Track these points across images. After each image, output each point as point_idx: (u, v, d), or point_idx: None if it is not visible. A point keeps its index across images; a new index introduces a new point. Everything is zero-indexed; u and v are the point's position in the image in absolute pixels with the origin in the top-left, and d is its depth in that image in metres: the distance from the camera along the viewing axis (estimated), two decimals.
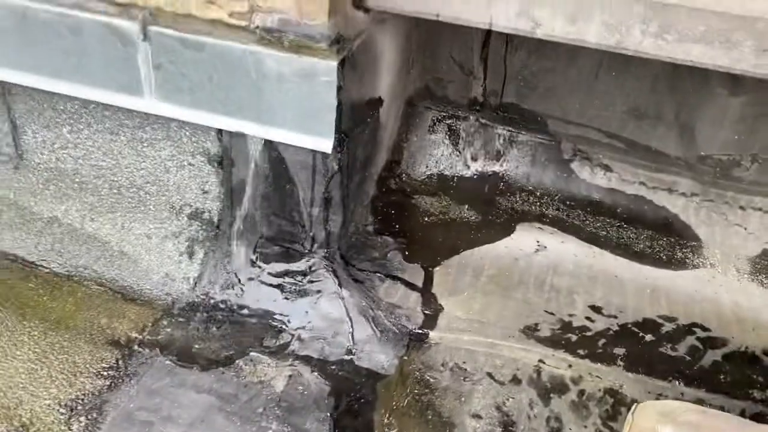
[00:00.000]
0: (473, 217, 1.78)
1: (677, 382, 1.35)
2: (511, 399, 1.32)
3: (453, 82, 1.83)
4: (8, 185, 1.68)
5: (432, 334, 1.46)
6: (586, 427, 1.27)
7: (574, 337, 1.44)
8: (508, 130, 1.84)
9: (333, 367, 1.39)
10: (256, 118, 1.34)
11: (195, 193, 1.55)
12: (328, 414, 1.30)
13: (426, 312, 1.51)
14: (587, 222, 1.76)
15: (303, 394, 1.34)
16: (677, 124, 1.70)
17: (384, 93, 1.55)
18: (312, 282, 1.50)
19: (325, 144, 1.33)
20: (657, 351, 1.42)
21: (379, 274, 1.58)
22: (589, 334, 1.45)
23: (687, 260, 1.68)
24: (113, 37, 1.35)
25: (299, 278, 1.50)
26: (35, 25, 1.39)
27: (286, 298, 1.50)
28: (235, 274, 1.54)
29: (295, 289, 1.50)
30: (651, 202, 1.77)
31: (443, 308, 1.52)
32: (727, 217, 1.72)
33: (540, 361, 1.39)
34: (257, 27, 1.25)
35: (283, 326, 1.47)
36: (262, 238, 1.52)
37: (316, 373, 1.38)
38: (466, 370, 1.39)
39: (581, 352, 1.41)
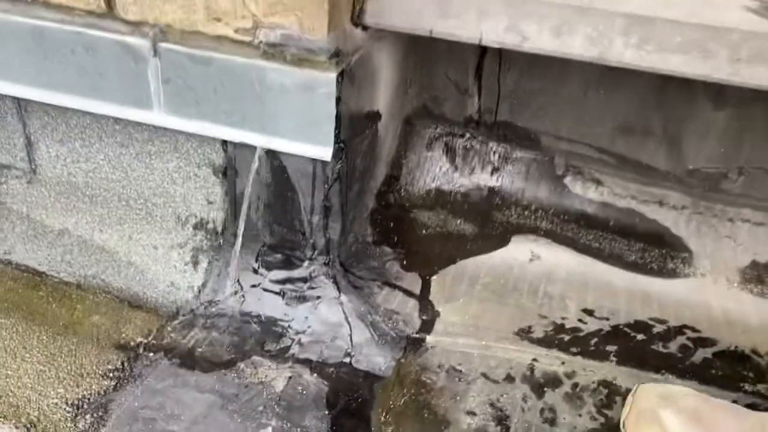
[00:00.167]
0: (470, 230, 1.83)
1: (669, 375, 1.39)
2: (504, 396, 1.36)
3: (449, 101, 1.90)
4: (22, 199, 1.75)
5: (428, 338, 1.51)
6: (580, 415, 1.31)
7: (566, 338, 1.48)
8: (503, 147, 1.90)
9: (332, 369, 1.44)
10: (260, 128, 1.42)
11: (200, 203, 1.61)
12: (326, 412, 1.34)
13: (423, 317, 1.56)
14: (580, 234, 1.81)
15: (302, 393, 1.38)
16: (665, 139, 1.76)
17: (382, 108, 1.62)
18: (312, 288, 1.55)
19: (325, 152, 1.39)
20: (649, 348, 1.46)
21: (377, 282, 1.63)
22: (581, 334, 1.49)
23: (678, 270, 1.73)
24: (125, 54, 1.43)
25: (300, 285, 1.56)
26: (52, 43, 1.47)
27: (287, 304, 1.55)
28: (238, 281, 1.59)
29: (295, 296, 1.55)
30: (642, 215, 1.82)
31: (440, 314, 1.57)
32: (717, 229, 1.77)
33: (533, 360, 1.43)
34: (261, 42, 1.33)
35: (284, 331, 1.52)
36: (264, 246, 1.58)
37: (315, 375, 1.42)
38: (461, 371, 1.43)
39: (574, 350, 1.45)
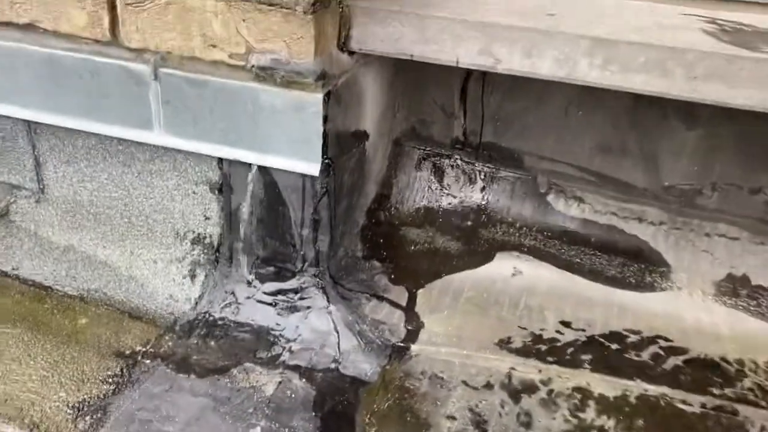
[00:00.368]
0: (456, 246, 1.91)
1: (641, 381, 1.45)
2: (483, 401, 1.43)
3: (436, 123, 1.99)
4: (30, 218, 1.85)
5: (413, 347, 1.58)
6: (554, 419, 1.37)
7: (544, 347, 1.55)
8: (488, 167, 1.99)
9: (320, 374, 1.50)
10: (253, 146, 1.51)
11: (198, 219, 1.70)
12: (314, 414, 1.40)
13: (408, 328, 1.63)
14: (562, 250, 1.88)
15: (291, 397, 1.44)
16: (641, 157, 1.84)
17: (369, 128, 1.72)
18: (303, 299, 1.63)
19: (314, 168, 1.48)
20: (622, 357, 1.52)
21: (366, 294, 1.71)
22: (558, 344, 1.56)
23: (655, 284, 1.79)
24: (128, 79, 1.53)
25: (291, 296, 1.63)
26: (61, 70, 1.58)
27: (279, 314, 1.62)
28: (233, 293, 1.67)
29: (287, 306, 1.63)
30: (623, 231, 1.89)
31: (424, 325, 1.64)
32: (695, 243, 1.84)
33: (511, 368, 1.50)
34: (253, 66, 1.43)
35: (276, 339, 1.59)
36: (257, 259, 1.66)
37: (304, 380, 1.49)
38: (442, 378, 1.49)
39: (550, 359, 1.51)
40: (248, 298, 1.66)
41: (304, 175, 1.51)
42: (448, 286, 1.76)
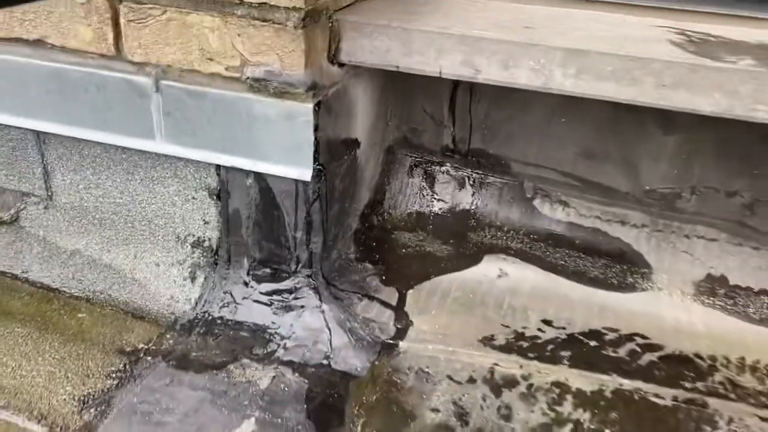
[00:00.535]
0: (445, 250, 1.99)
1: (616, 376, 1.52)
2: (466, 395, 1.50)
3: (427, 131, 2.08)
4: (39, 224, 1.94)
5: (401, 343, 1.65)
6: (533, 411, 1.44)
7: (525, 344, 1.62)
8: (477, 173, 2.07)
9: (312, 369, 1.58)
10: (248, 154, 1.60)
11: (197, 223, 1.79)
12: (305, 405, 1.48)
13: (397, 326, 1.70)
14: (548, 253, 1.96)
15: (284, 390, 1.52)
16: (623, 163, 1.92)
17: (360, 136, 1.80)
18: (297, 298, 1.71)
19: (306, 174, 1.57)
20: (600, 353, 1.59)
21: (357, 294, 1.79)
22: (539, 341, 1.63)
23: (637, 284, 1.87)
24: (131, 91, 1.63)
25: (286, 295, 1.72)
26: (68, 83, 1.68)
27: (275, 313, 1.71)
28: (231, 294, 1.75)
29: (282, 305, 1.71)
30: (606, 234, 1.97)
31: (413, 323, 1.71)
32: (675, 245, 1.91)
33: (494, 364, 1.57)
34: (248, 78, 1.52)
35: (271, 337, 1.67)
36: (254, 261, 1.75)
37: (297, 374, 1.57)
38: (428, 373, 1.57)
39: (531, 355, 1.59)
40: (245, 298, 1.74)
41: (296, 181, 1.60)
42: (436, 287, 1.84)
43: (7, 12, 1.65)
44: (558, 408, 1.46)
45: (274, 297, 1.72)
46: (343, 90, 1.65)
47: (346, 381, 1.55)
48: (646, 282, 1.87)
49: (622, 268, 1.91)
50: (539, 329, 1.67)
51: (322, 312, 1.68)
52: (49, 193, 1.91)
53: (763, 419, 1.43)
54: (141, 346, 1.66)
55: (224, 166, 1.65)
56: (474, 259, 1.94)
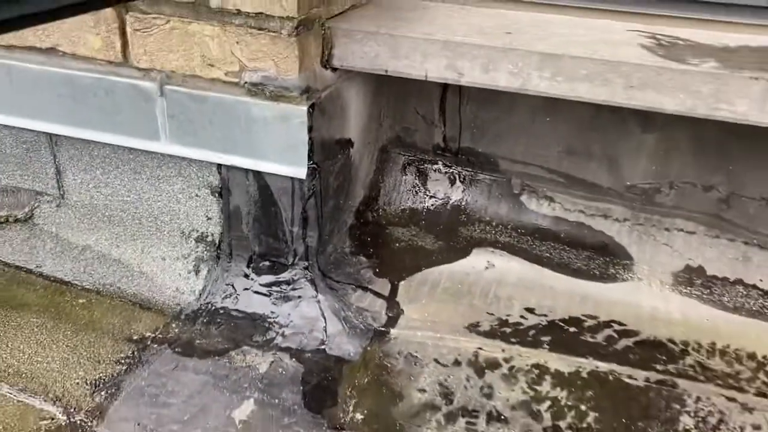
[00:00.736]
0: (437, 243, 2.09)
1: (593, 359, 1.62)
2: (451, 377, 1.60)
3: (419, 131, 2.18)
4: (52, 221, 2.06)
5: (392, 330, 1.76)
6: (513, 390, 1.54)
7: (508, 330, 1.72)
8: (467, 171, 2.17)
9: (308, 354, 1.69)
10: (247, 153, 1.71)
11: (201, 219, 1.90)
12: (301, 387, 1.59)
13: (389, 314, 1.81)
14: (534, 246, 2.06)
15: (281, 374, 1.63)
16: (605, 159, 2.01)
17: (354, 136, 1.91)
18: (294, 289, 1.82)
19: (301, 172, 1.68)
20: (578, 338, 1.69)
21: (352, 285, 1.89)
22: (521, 327, 1.73)
23: (618, 275, 1.96)
24: (138, 95, 1.74)
25: (284, 287, 1.82)
26: (79, 88, 1.79)
27: (273, 303, 1.81)
28: (232, 285, 1.86)
29: (280, 296, 1.82)
30: (590, 227, 2.06)
31: (404, 312, 1.82)
32: (656, 237, 2.01)
33: (478, 348, 1.67)
34: (246, 82, 1.63)
35: (270, 325, 1.78)
36: (254, 255, 1.85)
37: (294, 360, 1.68)
38: (417, 357, 1.67)
39: (514, 340, 1.69)
40: (246, 289, 1.85)
41: (292, 179, 1.70)
42: (426, 278, 1.94)
43: None
44: (537, 387, 1.56)
45: (273, 288, 1.83)
46: (336, 93, 1.76)
47: (339, 365, 1.66)
48: (627, 273, 1.97)
49: (604, 259, 2.01)
50: (522, 316, 1.77)
51: (318, 302, 1.78)
52: (61, 192, 2.02)
53: (729, 399, 1.53)
54: (148, 334, 1.77)
55: (225, 165, 1.76)
56: (463, 252, 2.04)
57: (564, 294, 1.87)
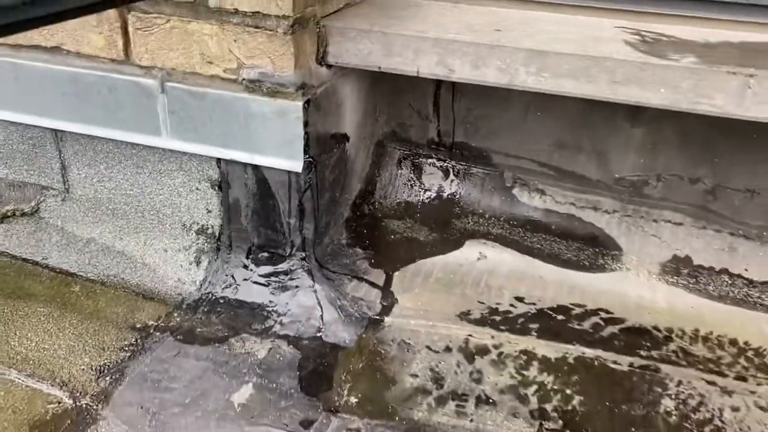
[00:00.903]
0: (431, 235, 2.14)
1: (579, 345, 1.68)
2: (442, 362, 1.66)
3: (414, 126, 2.24)
4: (57, 214, 2.12)
5: (386, 319, 1.82)
6: (502, 375, 1.60)
7: (498, 318, 1.78)
8: (461, 164, 2.23)
9: (305, 341, 1.75)
10: (245, 148, 1.77)
11: (201, 212, 1.96)
12: (298, 372, 1.65)
13: (383, 303, 1.87)
14: (525, 237, 2.11)
15: (279, 360, 1.69)
16: (594, 153, 2.06)
17: (349, 131, 1.97)
18: (292, 279, 1.88)
19: (297, 165, 1.74)
20: (565, 326, 1.75)
21: (348, 276, 1.95)
22: (511, 315, 1.79)
23: (607, 265, 2.02)
24: (139, 92, 1.80)
25: (282, 277, 1.89)
26: (83, 86, 1.85)
27: (272, 293, 1.87)
28: (232, 276, 1.92)
29: (278, 286, 1.88)
30: (580, 219, 2.12)
31: (398, 301, 1.88)
32: (644, 228, 2.06)
33: (469, 335, 1.73)
34: (243, 79, 1.69)
35: (269, 314, 1.84)
36: (253, 246, 1.92)
37: (291, 346, 1.74)
38: (409, 344, 1.73)
39: (503, 327, 1.75)
40: (245, 279, 1.91)
41: (289, 172, 1.76)
42: (420, 269, 2.00)
43: None
44: (525, 372, 1.62)
45: (272, 278, 1.89)
46: (332, 89, 1.82)
47: (335, 352, 1.72)
48: (616, 263, 2.02)
49: (594, 250, 2.06)
50: (511, 305, 1.83)
51: (315, 291, 1.85)
52: (66, 187, 2.09)
53: (708, 382, 1.59)
54: (151, 323, 1.83)
55: (224, 159, 1.82)
56: (456, 244, 2.10)
57: (553, 284, 1.93)
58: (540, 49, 1.57)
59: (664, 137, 1.98)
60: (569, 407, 1.54)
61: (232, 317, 1.84)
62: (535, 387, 1.58)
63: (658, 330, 1.74)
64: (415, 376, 1.63)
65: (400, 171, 2.28)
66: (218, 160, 1.84)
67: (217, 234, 1.96)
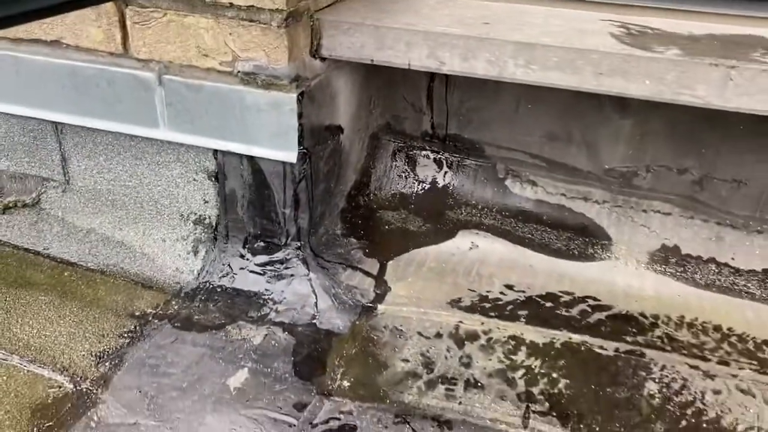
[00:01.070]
0: (424, 226, 2.19)
1: (566, 331, 1.72)
2: (433, 348, 1.71)
3: (408, 119, 2.28)
4: (58, 205, 2.17)
5: (380, 306, 1.86)
6: (491, 359, 1.65)
7: (488, 305, 1.82)
8: (454, 156, 2.27)
9: (300, 328, 1.79)
10: (241, 139, 1.81)
11: (198, 203, 2.00)
12: (292, 358, 1.69)
13: (377, 292, 1.91)
14: (517, 228, 2.15)
15: (274, 346, 1.74)
16: (584, 144, 2.10)
17: (343, 123, 2.01)
18: (287, 268, 1.92)
19: (292, 156, 1.78)
20: (553, 312, 1.79)
21: (342, 264, 1.99)
22: (500, 303, 1.83)
23: (596, 255, 2.06)
24: (137, 85, 1.84)
25: (278, 266, 1.93)
26: (82, 79, 1.89)
27: (268, 281, 1.92)
28: (229, 265, 1.97)
29: (274, 274, 1.92)
30: (571, 210, 2.16)
31: (391, 289, 1.92)
32: (633, 218, 2.10)
33: (459, 322, 1.78)
34: (239, 72, 1.73)
35: (265, 302, 1.88)
36: (249, 236, 1.96)
37: (286, 333, 1.78)
38: (401, 330, 1.77)
39: (492, 314, 1.79)
40: (242, 268, 1.95)
41: (284, 163, 1.80)
42: (413, 258, 2.04)
43: None
44: (513, 357, 1.66)
45: (267, 267, 1.94)
46: (326, 81, 1.86)
47: (329, 338, 1.76)
48: (606, 252, 2.07)
49: (584, 240, 2.10)
50: (501, 293, 1.87)
51: (310, 280, 1.89)
52: (67, 178, 2.13)
53: (692, 366, 1.63)
54: (149, 311, 1.88)
55: (221, 151, 1.86)
56: (449, 234, 2.14)
57: (543, 272, 1.97)
58: (528, 42, 1.60)
59: (652, 129, 2.02)
60: (555, 390, 1.58)
61: (229, 305, 1.88)
62: (522, 371, 1.62)
63: (645, 317, 1.79)
64: (406, 361, 1.68)
65: (394, 163, 2.32)
66: (215, 151, 1.88)
67: (214, 224, 2.00)
